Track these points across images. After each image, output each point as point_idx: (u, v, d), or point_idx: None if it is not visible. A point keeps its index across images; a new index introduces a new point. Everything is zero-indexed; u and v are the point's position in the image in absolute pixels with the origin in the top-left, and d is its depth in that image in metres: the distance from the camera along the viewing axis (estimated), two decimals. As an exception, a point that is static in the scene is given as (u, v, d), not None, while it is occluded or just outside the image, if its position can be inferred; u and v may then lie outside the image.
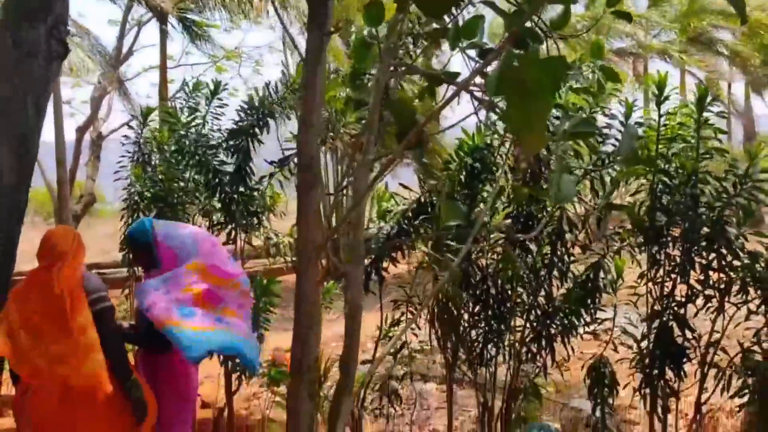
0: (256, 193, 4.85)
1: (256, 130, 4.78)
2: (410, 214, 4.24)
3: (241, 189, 4.79)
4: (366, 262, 4.47)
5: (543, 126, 1.54)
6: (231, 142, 4.80)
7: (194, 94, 5.15)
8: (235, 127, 4.83)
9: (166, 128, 4.97)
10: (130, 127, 5.27)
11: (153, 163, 5.06)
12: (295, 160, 4.68)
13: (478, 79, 1.88)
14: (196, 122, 4.98)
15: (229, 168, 4.85)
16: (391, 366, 4.86)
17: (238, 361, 4.99)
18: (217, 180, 4.79)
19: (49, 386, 3.31)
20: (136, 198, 5.07)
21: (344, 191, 3.16)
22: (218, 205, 4.89)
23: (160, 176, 4.91)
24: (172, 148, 4.93)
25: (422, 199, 4.25)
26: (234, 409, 5.20)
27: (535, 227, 4.06)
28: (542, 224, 3.58)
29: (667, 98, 3.61)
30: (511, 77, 1.39)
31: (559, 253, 4.09)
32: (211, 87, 5.11)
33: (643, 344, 3.65)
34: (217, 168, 4.82)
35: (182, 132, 4.94)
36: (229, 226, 4.87)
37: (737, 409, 3.59)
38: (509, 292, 4.24)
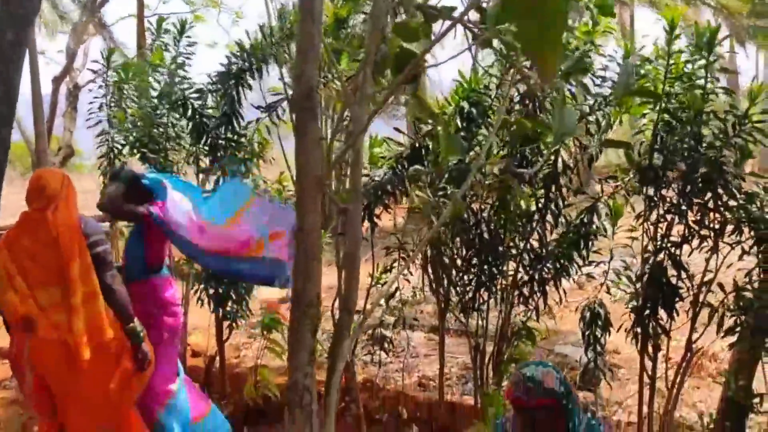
0: (243, 139, 4.74)
1: (246, 75, 4.65)
2: (404, 160, 4.17)
3: (228, 135, 4.68)
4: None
5: (559, 41, 1.47)
6: (218, 87, 4.66)
7: (161, 35, 4.97)
8: (223, 70, 4.69)
9: (146, 71, 4.81)
10: (103, 73, 5.09)
11: (128, 107, 4.92)
12: (283, 105, 4.59)
13: (475, 16, 1.82)
14: (175, 64, 4.82)
15: (215, 113, 4.74)
16: (382, 313, 4.86)
17: (228, 309, 4.99)
18: (202, 125, 4.67)
19: (48, 335, 3.24)
20: (115, 145, 4.95)
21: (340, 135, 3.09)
22: (205, 151, 4.79)
23: (139, 122, 4.77)
24: (153, 93, 4.80)
25: (416, 144, 4.18)
26: (225, 358, 5.20)
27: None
28: (543, 160, 3.53)
29: (678, 36, 3.55)
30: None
31: (552, 196, 4.06)
32: (178, 26, 4.93)
33: (637, 285, 3.67)
34: (203, 113, 4.70)
35: (164, 76, 4.80)
36: (217, 173, 4.78)
37: (728, 348, 3.64)
38: (502, 236, 4.22)
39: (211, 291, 4.87)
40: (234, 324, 5.07)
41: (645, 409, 3.73)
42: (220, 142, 4.66)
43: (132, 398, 3.55)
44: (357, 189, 2.33)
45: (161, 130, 4.73)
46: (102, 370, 3.31)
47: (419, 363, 6.39)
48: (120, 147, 4.95)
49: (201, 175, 4.89)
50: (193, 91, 4.71)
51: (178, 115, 4.75)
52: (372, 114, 2.30)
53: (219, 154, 4.69)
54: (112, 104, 5.05)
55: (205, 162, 4.87)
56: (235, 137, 4.70)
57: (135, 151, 4.70)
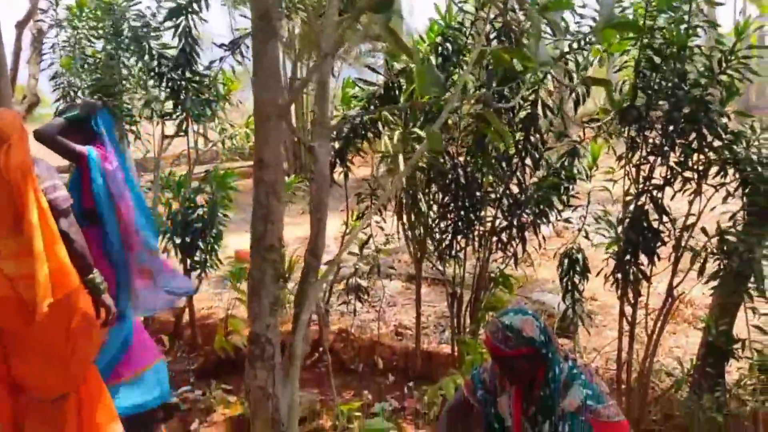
0: (206, 80, 4.48)
1: (195, 6, 4.32)
2: (377, 100, 3.96)
3: (189, 75, 4.41)
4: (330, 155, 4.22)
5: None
6: (171, 23, 4.35)
7: None
8: (173, 5, 4.37)
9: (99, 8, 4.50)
10: (53, 11, 4.76)
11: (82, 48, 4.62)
12: (247, 42, 4.31)
13: None
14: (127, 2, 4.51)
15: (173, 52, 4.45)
16: (356, 262, 4.72)
17: (197, 258, 4.81)
18: (161, 66, 4.39)
19: (2, 293, 3.04)
20: (71, 89, 4.66)
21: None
22: (166, 93, 4.52)
23: (94, 64, 4.49)
24: (110, 31, 4.50)
25: (390, 83, 3.96)
26: (194, 309, 5.04)
27: (508, 111, 3.86)
28: (522, 96, 3.34)
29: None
30: None
31: (532, 139, 3.90)
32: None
33: (618, 230, 3.55)
34: (161, 53, 4.41)
35: (117, 15, 4.48)
36: (179, 117, 4.53)
37: (710, 293, 3.56)
38: (480, 181, 4.06)
39: (178, 241, 4.68)
40: (203, 274, 4.90)
41: (624, 355, 3.67)
42: (181, 83, 4.39)
43: (93, 351, 3.40)
44: (324, 124, 2.14)
45: (118, 71, 4.45)
46: (62, 324, 3.14)
47: (396, 312, 6.31)
48: (76, 90, 4.67)
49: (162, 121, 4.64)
50: (148, 28, 4.41)
51: (135, 57, 4.47)
52: (338, 43, 2.09)
53: (181, 97, 4.43)
54: (67, 45, 4.75)
55: (165, 105, 4.60)
56: (197, 78, 4.43)
57: (91, 95, 4.43)
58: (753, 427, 3.30)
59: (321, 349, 4.84)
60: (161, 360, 3.72)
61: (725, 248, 3.30)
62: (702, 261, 3.37)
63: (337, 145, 4.05)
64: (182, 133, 4.55)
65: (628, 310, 3.66)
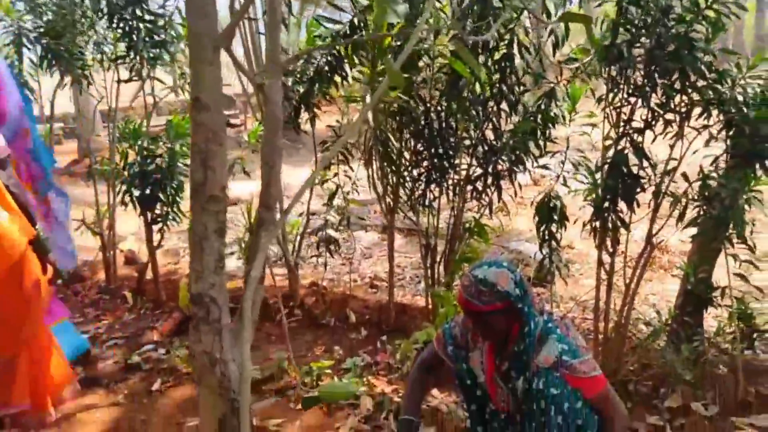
0: (162, 20, 4.16)
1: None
2: (341, 38, 3.70)
3: (141, 14, 4.09)
4: (294, 100, 3.98)
5: None
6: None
7: None
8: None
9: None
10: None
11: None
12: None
13: None
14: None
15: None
16: (326, 212, 4.53)
17: (158, 212, 4.61)
18: (110, 5, 4.06)
19: None
20: (17, 32, 4.33)
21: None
22: (118, 35, 4.21)
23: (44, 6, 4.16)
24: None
25: (355, 21, 3.70)
26: (158, 265, 4.84)
27: (484, 52, 3.63)
28: (497, 24, 3.11)
29: None
30: None
31: (508, 81, 3.69)
32: None
33: (597, 176, 3.38)
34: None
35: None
36: (134, 61, 4.23)
37: (690, 239, 3.43)
38: (454, 126, 3.86)
39: (136, 193, 4.44)
40: (165, 228, 4.69)
41: (601, 305, 3.55)
42: (133, 24, 4.08)
43: (43, 310, 3.26)
44: (274, 60, 1.91)
45: (70, 12, 4.12)
46: (15, 284, 2.99)
47: (372, 264, 6.16)
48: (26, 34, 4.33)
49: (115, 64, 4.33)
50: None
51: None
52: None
53: (133, 39, 4.12)
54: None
55: (117, 48, 4.30)
56: (151, 18, 4.12)
57: (39, 39, 4.12)
58: (732, 375, 3.22)
59: (291, 303, 4.69)
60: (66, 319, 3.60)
61: (707, 194, 3.15)
62: (682, 207, 3.23)
63: (301, 89, 3.81)
64: (135, 78, 4.26)
65: (605, 258, 3.53)
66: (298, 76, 3.83)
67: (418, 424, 2.56)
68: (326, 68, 3.71)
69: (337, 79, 3.87)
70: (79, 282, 5.54)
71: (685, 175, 3.24)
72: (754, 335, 3.41)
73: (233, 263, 5.35)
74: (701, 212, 3.22)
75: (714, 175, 3.22)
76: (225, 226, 1.80)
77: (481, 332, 2.41)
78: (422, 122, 3.83)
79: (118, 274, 5.14)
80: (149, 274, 4.92)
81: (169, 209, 4.61)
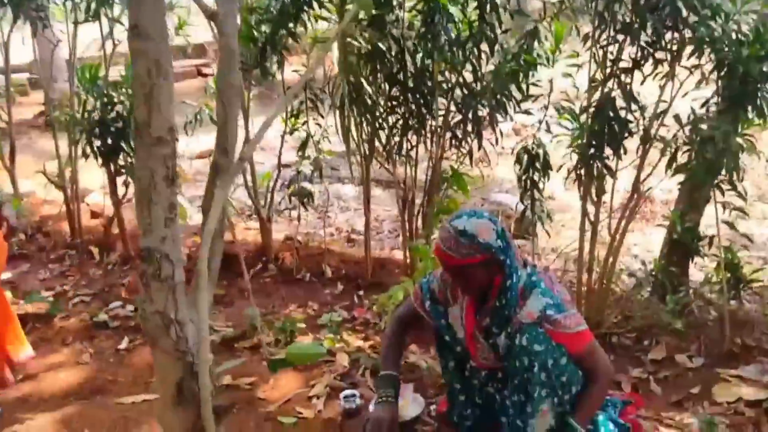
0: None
1: None
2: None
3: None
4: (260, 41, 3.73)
5: None
6: None
7: None
8: None
9: None
10: None
11: None
12: None
13: None
14: None
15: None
16: (297, 162, 4.33)
17: (121, 162, 4.38)
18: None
19: None
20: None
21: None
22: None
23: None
24: None
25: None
26: (124, 218, 4.63)
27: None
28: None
29: None
30: None
31: (488, 18, 3.46)
32: None
33: (582, 118, 3.21)
34: None
35: None
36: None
37: (673, 187, 3.30)
38: (430, 69, 3.64)
39: (98, 143, 4.20)
40: (130, 180, 4.46)
41: (585, 256, 3.42)
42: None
43: (1, 269, 3.10)
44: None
45: None
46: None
47: (350, 217, 5.99)
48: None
49: None
50: None
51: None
52: None
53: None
54: None
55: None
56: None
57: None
58: (718, 326, 3.13)
59: (264, 258, 4.52)
60: None
61: (698, 137, 3.00)
62: (672, 152, 3.07)
63: (266, 29, 3.56)
64: (92, 18, 3.97)
65: (590, 208, 3.38)
66: (262, 13, 3.57)
67: (399, 380, 2.43)
68: (291, 6, 3.45)
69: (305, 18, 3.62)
70: (44, 237, 5.33)
71: (677, 118, 3.07)
72: (741, 285, 3.32)
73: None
74: (691, 157, 3.07)
75: (705, 117, 3.06)
76: (175, 172, 1.61)
77: (460, 286, 2.26)
78: (397, 64, 3.61)
79: (84, 228, 4.92)
80: (116, 229, 4.70)
81: (134, 160, 4.37)
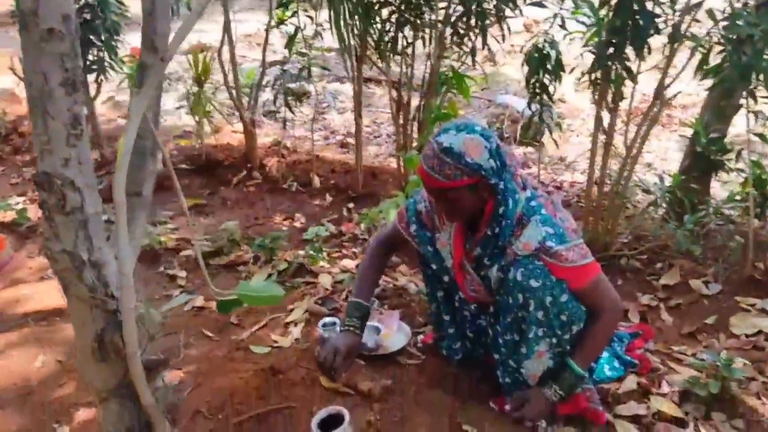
0: None
1: None
2: None
3: None
4: None
5: None
6: None
7: None
8: None
9: None
10: None
11: None
12: None
13: None
14: None
15: None
16: (285, 59, 3.92)
17: (92, 58, 4.00)
18: None
19: None
20: None
21: None
22: None
23: None
24: None
25: None
26: (96, 114, 4.29)
27: None
28: None
29: None
30: None
31: None
32: None
33: (602, 13, 2.77)
34: None
35: None
36: None
37: (703, 90, 2.90)
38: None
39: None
40: (102, 77, 4.10)
41: (596, 170, 3.08)
42: None
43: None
44: None
45: None
46: None
47: (346, 120, 5.60)
48: None
49: None
50: None
51: None
52: None
53: None
54: None
55: None
56: None
57: None
58: (740, 250, 2.82)
59: (249, 165, 4.20)
60: None
61: (734, 36, 2.57)
62: (705, 53, 2.66)
63: None
64: None
65: (605, 116, 3.00)
66: None
67: (368, 310, 2.15)
68: None
69: None
70: (19, 137, 5.03)
71: (710, 13, 2.63)
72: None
73: (186, 119, 4.77)
74: (725, 59, 2.66)
75: (744, 13, 2.62)
76: (77, 76, 1.26)
77: (445, 212, 1.95)
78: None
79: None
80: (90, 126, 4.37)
81: (106, 54, 4.00)
